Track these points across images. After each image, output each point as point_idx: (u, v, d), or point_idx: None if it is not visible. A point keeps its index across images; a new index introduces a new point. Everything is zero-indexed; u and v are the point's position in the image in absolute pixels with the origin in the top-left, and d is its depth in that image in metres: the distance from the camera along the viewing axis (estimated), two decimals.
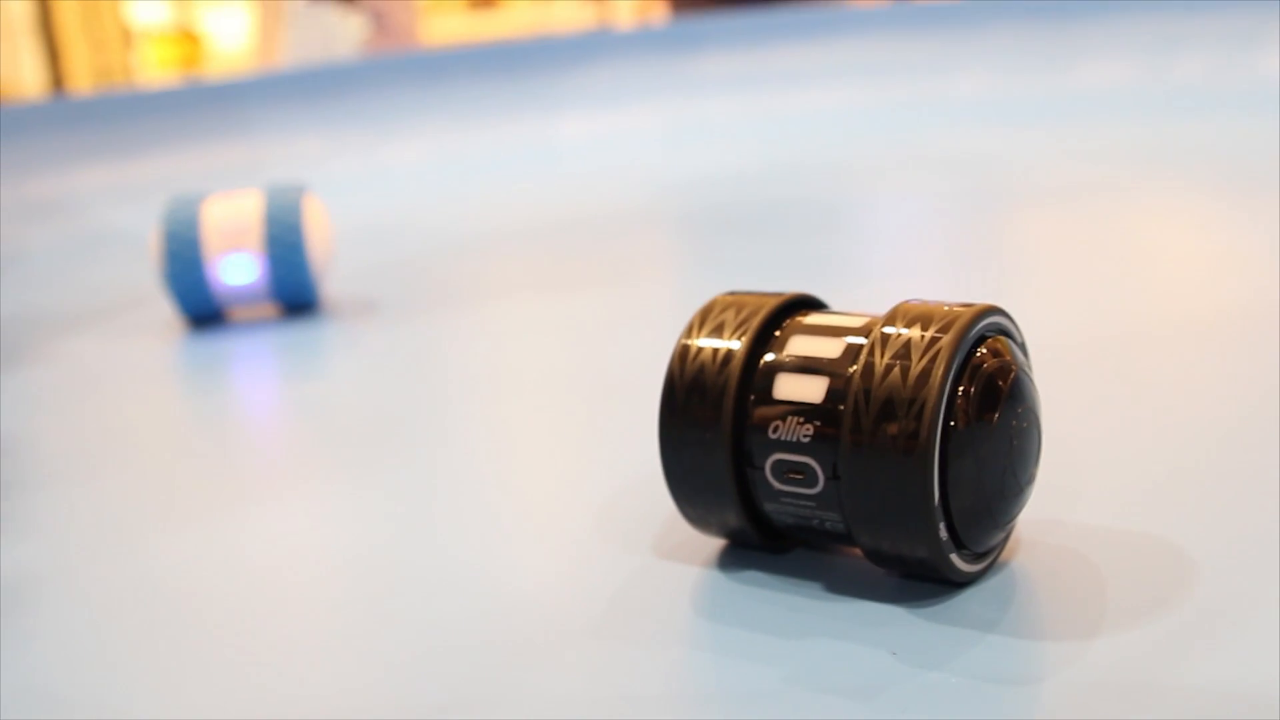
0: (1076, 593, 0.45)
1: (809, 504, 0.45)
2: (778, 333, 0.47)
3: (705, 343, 0.47)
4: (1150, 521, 0.49)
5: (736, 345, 0.46)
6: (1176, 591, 0.44)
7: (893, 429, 0.42)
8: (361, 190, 1.62)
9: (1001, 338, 0.45)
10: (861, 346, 0.45)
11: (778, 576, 0.48)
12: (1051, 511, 0.50)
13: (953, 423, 0.42)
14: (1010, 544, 0.48)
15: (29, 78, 6.02)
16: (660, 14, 4.81)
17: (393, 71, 1.92)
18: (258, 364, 0.91)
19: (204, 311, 0.96)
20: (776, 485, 0.45)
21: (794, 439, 0.44)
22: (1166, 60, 1.78)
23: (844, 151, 1.63)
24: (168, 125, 1.75)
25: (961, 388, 0.43)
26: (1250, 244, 0.95)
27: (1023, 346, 0.47)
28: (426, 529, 0.57)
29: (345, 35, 2.88)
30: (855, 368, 0.44)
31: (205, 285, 0.94)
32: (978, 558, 0.45)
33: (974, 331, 0.43)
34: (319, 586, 0.53)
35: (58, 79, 5.87)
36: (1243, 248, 0.94)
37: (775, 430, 0.45)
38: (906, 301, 0.45)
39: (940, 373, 0.42)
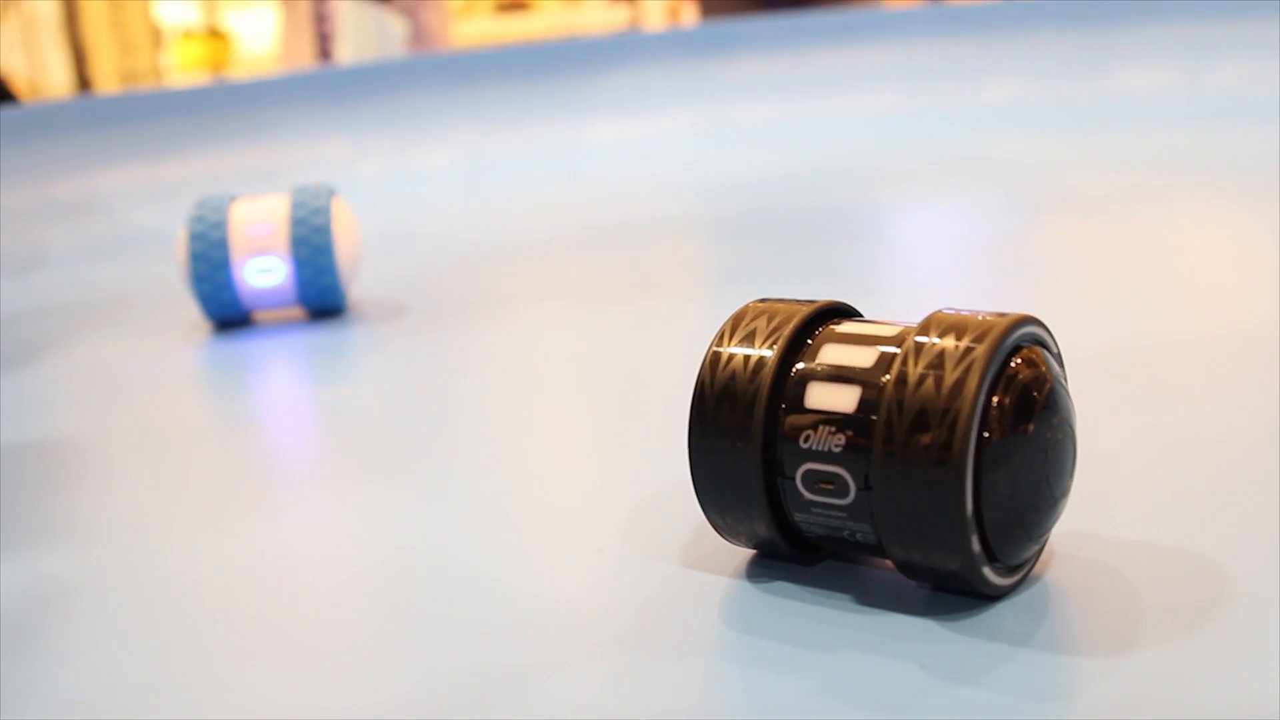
0: (1111, 607, 0.44)
1: (840, 514, 0.45)
2: (810, 341, 0.47)
3: (736, 350, 0.47)
4: (1186, 535, 0.49)
5: (768, 353, 0.46)
6: (1212, 606, 0.43)
7: (926, 440, 0.41)
8: (388, 194, 1.61)
9: (1037, 348, 0.44)
10: (895, 356, 0.44)
11: (807, 588, 0.47)
12: (1086, 524, 0.50)
13: (987, 434, 0.42)
14: (1044, 557, 0.48)
15: (56, 78, 6.05)
16: (691, 16, 4.80)
17: (420, 74, 1.92)
18: (283, 367, 0.91)
19: (229, 315, 0.96)
20: (807, 495, 0.45)
21: (825, 449, 0.44)
22: (1203, 66, 1.77)
23: (876, 157, 1.62)
24: (195, 126, 1.75)
25: (996, 398, 0.42)
26: None
27: (1058, 357, 0.46)
28: (451, 536, 0.56)
29: (394, 35, 2.91)
30: (888, 377, 0.43)
31: (231, 288, 0.94)
32: (1011, 571, 0.45)
33: (1009, 341, 0.43)
34: (343, 593, 0.52)
35: (84, 79, 5.89)
36: (1277, 258, 0.93)
37: (806, 440, 0.44)
38: (940, 310, 0.45)
39: (974, 383, 0.41)
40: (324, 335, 0.94)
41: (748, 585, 0.48)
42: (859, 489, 0.43)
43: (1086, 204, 1.21)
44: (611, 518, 0.56)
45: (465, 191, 1.64)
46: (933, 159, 1.57)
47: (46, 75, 6.24)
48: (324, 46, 3.04)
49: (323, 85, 1.87)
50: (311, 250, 0.94)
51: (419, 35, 3.04)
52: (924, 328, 0.44)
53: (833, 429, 0.44)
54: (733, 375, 0.46)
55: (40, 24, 6.16)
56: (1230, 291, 0.86)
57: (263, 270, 0.94)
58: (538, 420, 0.74)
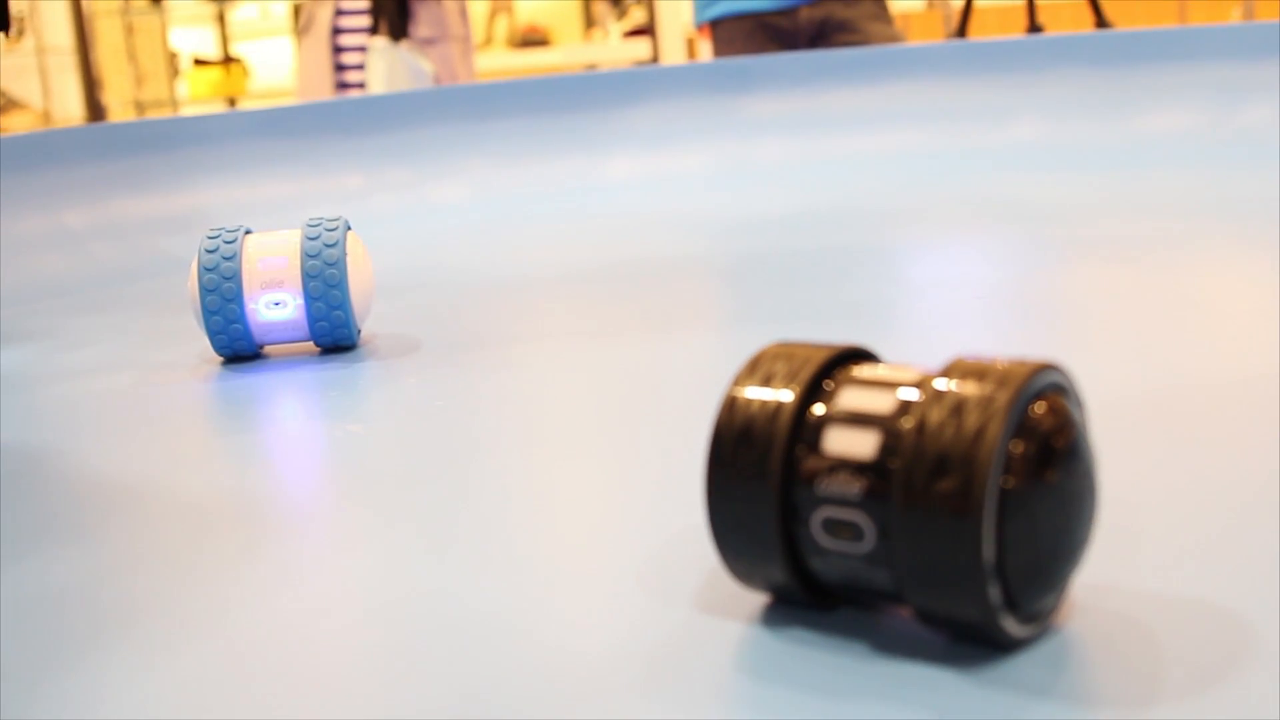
0: (1132, 660, 0.43)
1: (858, 561, 0.44)
2: (829, 385, 0.46)
3: (754, 393, 0.46)
4: (1210, 587, 0.48)
5: (787, 397, 0.45)
6: (1237, 661, 0.43)
7: (945, 487, 0.41)
8: (403, 227, 1.61)
9: (1059, 395, 0.44)
10: (915, 402, 0.43)
11: (824, 635, 0.46)
12: (1107, 575, 0.49)
13: (1007, 482, 0.41)
14: (1065, 608, 0.47)
15: (70, 106, 6.07)
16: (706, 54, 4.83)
17: (437, 107, 1.92)
18: (293, 402, 0.90)
19: (239, 348, 0.95)
20: (824, 541, 0.44)
21: (844, 495, 0.43)
22: (1231, 108, 1.76)
23: (898, 196, 1.62)
24: (209, 156, 1.74)
25: (1017, 446, 0.42)
26: None
27: (1080, 404, 0.46)
28: (461, 578, 0.56)
29: (425, 75, 2.93)
30: (908, 423, 0.42)
31: (242, 321, 0.94)
32: (1030, 621, 0.44)
33: (1030, 389, 0.42)
34: (347, 634, 0.52)
35: (98, 107, 5.91)
36: None
37: (825, 485, 0.44)
38: (962, 356, 0.44)
39: (995, 431, 0.41)
40: (335, 370, 0.94)
41: (763, 631, 0.47)
42: (877, 536, 0.43)
43: (1111, 248, 1.20)
44: (625, 561, 0.55)
45: (481, 226, 1.64)
46: (955, 199, 1.57)
47: (60, 102, 6.26)
48: (339, 78, 3.06)
49: (338, 117, 1.87)
50: (324, 284, 0.93)
51: (443, 75, 3.05)
52: (945, 374, 0.43)
53: (851, 475, 0.43)
54: (750, 418, 0.46)
55: (54, 51, 6.19)
56: (1256, 339, 0.85)
57: (274, 304, 0.94)
58: (551, 460, 0.74)
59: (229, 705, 0.46)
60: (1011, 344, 0.85)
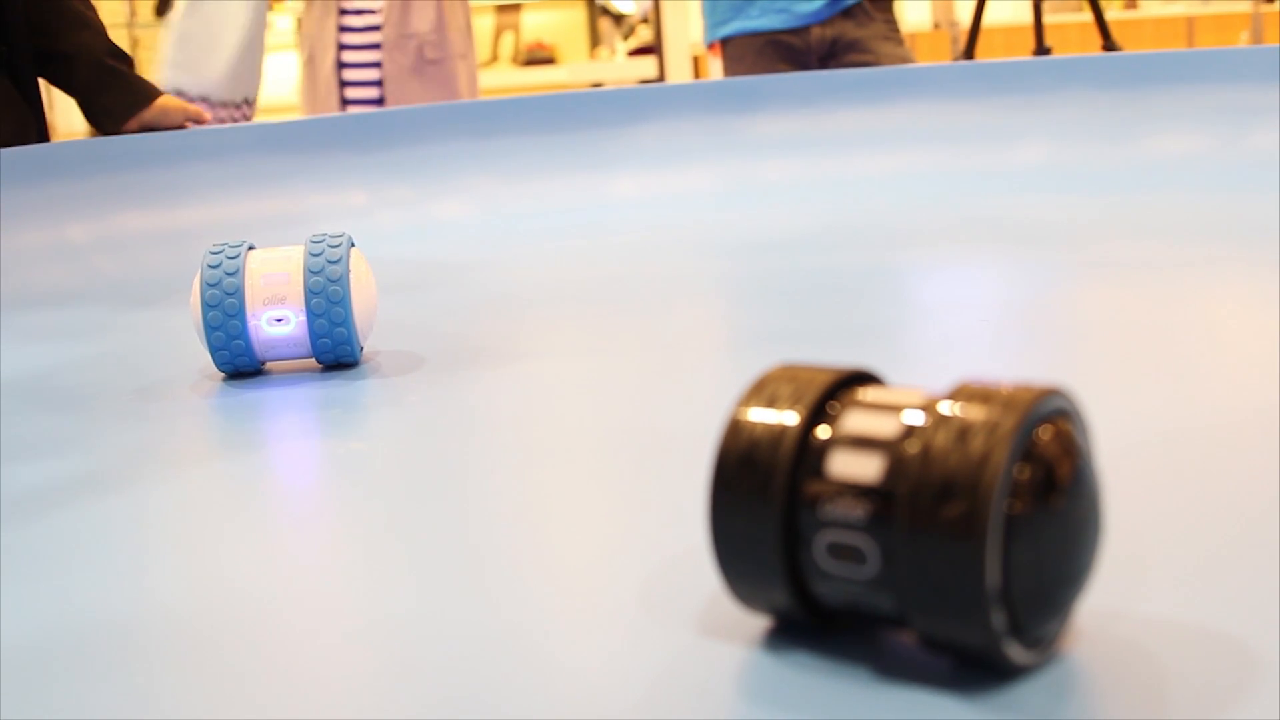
0: (1137, 687, 0.43)
1: (861, 586, 0.44)
2: (833, 408, 0.46)
3: (758, 416, 0.46)
4: (1215, 614, 0.48)
5: (791, 419, 0.45)
6: (1242, 688, 0.42)
7: (949, 512, 0.41)
8: (407, 244, 1.61)
9: (1064, 421, 0.44)
10: (920, 426, 0.43)
11: (827, 659, 0.46)
12: (1114, 602, 0.49)
13: (1012, 508, 0.41)
14: (1071, 635, 0.46)
15: (74, 119, 6.07)
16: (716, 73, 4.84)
17: (441, 123, 1.91)
18: (294, 419, 0.90)
19: (241, 364, 0.95)
20: (828, 565, 0.44)
21: (847, 519, 0.43)
22: (1239, 131, 1.76)
23: (904, 217, 1.61)
24: (213, 171, 1.74)
25: (1022, 472, 0.41)
26: None
27: (1085, 430, 0.45)
28: (459, 598, 0.55)
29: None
30: (913, 448, 0.42)
31: (244, 338, 0.93)
32: (1034, 647, 0.44)
33: (1036, 414, 0.42)
34: (345, 651, 0.52)
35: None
36: None
37: (828, 509, 0.44)
38: (967, 380, 0.44)
39: (1000, 456, 0.41)
40: (337, 387, 0.93)
41: (765, 655, 0.47)
42: (881, 560, 0.43)
43: (1118, 271, 1.20)
44: (627, 582, 0.55)
45: (485, 244, 1.64)
46: (961, 220, 1.56)
47: (64, 115, 6.27)
48: (343, 95, 3.05)
49: (342, 133, 1.87)
50: (327, 301, 0.93)
51: (448, 96, 3.05)
52: (950, 398, 0.43)
53: (855, 499, 0.43)
54: (754, 441, 0.45)
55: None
56: (1263, 364, 0.85)
57: (276, 320, 0.93)
58: (552, 480, 0.73)
59: (228, 714, 0.46)
60: (1017, 367, 0.85)
